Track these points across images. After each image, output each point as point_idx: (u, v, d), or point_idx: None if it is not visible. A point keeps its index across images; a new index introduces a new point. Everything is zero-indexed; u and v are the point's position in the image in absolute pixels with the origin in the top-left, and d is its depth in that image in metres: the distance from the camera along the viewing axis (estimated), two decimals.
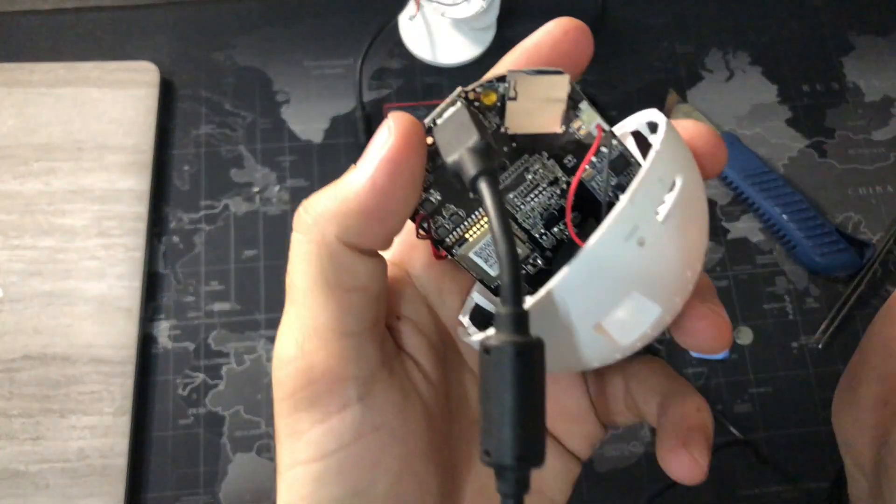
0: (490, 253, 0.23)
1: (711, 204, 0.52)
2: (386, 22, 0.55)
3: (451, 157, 0.19)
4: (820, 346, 0.49)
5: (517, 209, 0.23)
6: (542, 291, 0.19)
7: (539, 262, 0.23)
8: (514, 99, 0.20)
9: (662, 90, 0.55)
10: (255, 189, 0.52)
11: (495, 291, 0.24)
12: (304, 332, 0.20)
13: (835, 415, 0.25)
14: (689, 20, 0.57)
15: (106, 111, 0.53)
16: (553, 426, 0.25)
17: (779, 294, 0.50)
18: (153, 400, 0.47)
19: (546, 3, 0.57)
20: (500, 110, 0.21)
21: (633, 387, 0.24)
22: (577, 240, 0.22)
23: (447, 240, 0.22)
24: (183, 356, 0.48)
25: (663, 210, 0.19)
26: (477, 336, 0.22)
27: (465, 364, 0.25)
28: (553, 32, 0.21)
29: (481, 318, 0.24)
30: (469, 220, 0.22)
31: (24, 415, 0.46)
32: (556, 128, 0.21)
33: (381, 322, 0.21)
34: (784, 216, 0.50)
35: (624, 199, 0.19)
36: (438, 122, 0.20)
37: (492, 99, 0.21)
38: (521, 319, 0.18)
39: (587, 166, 0.22)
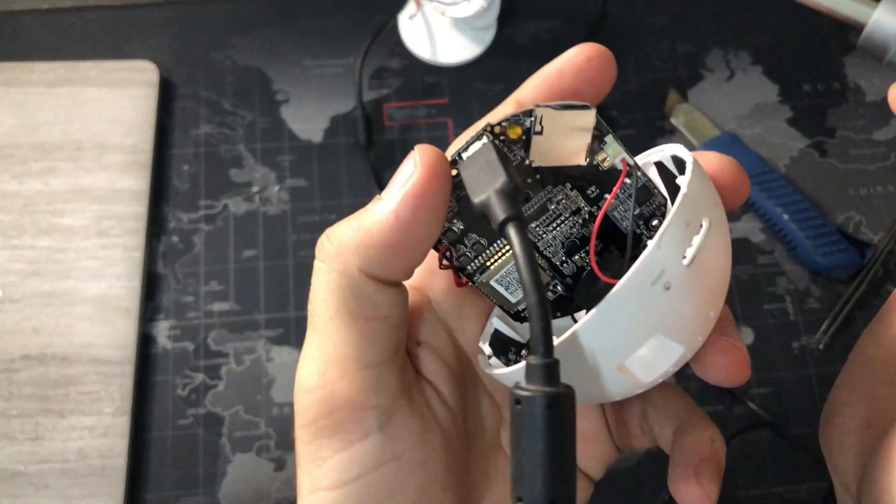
0: (511, 281, 0.23)
1: None
2: (386, 21, 0.55)
3: (478, 198, 0.19)
4: (821, 346, 0.49)
5: (539, 238, 0.22)
6: (567, 333, 0.19)
7: (559, 288, 0.23)
8: (540, 133, 0.20)
9: (663, 90, 0.54)
10: (255, 189, 0.52)
11: (515, 317, 0.24)
12: (326, 360, 0.20)
13: (821, 436, 0.25)
14: (690, 20, 0.57)
15: (105, 111, 0.52)
16: None
17: (779, 294, 0.50)
18: (152, 400, 0.47)
19: (546, 2, 0.57)
20: (526, 143, 0.21)
21: (649, 412, 0.24)
22: (599, 273, 0.22)
23: (469, 267, 0.22)
24: (182, 356, 0.48)
25: (690, 253, 0.19)
26: (500, 371, 0.21)
27: (482, 386, 0.25)
28: (576, 59, 0.21)
29: (500, 345, 0.24)
30: (491, 248, 0.22)
31: (24, 415, 0.46)
32: (581, 161, 0.21)
33: (401, 349, 0.22)
34: (785, 216, 0.50)
35: (651, 244, 0.19)
36: (464, 155, 0.20)
37: (517, 133, 0.21)
38: (551, 369, 0.18)
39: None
